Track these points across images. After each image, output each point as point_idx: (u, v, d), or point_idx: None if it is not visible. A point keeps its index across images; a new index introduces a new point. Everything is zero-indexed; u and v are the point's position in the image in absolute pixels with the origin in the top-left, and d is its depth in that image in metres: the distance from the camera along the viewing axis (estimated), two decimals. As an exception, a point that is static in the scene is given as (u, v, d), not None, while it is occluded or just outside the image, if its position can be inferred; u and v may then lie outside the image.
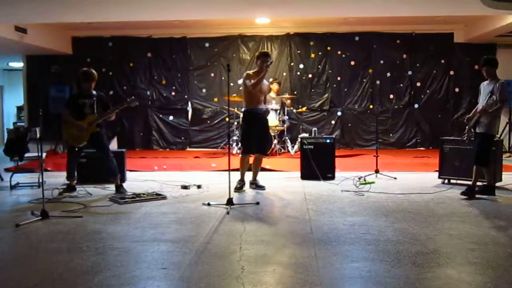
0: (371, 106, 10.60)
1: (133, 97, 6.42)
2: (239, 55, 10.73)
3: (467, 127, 6.07)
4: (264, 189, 6.42)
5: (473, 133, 5.94)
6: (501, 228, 4.52)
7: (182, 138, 10.87)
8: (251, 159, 6.56)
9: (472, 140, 6.02)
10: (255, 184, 6.53)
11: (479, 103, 5.98)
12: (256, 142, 6.40)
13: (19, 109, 13.74)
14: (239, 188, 6.32)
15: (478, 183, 6.01)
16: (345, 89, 10.68)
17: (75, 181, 6.41)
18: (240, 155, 6.59)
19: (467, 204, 5.53)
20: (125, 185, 6.51)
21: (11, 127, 12.45)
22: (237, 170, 6.44)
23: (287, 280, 3.23)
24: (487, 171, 5.95)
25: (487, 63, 5.87)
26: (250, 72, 6.46)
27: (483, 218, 4.89)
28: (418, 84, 10.59)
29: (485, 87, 5.94)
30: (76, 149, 6.30)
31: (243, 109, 6.76)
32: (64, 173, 6.40)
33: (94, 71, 6.33)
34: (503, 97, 5.69)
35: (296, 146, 9.24)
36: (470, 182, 6.03)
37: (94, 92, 6.27)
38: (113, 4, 7.81)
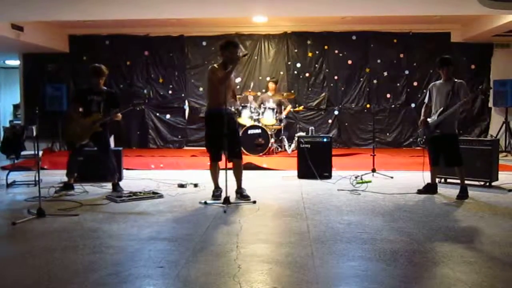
0: (368, 105, 10.62)
1: (141, 101, 6.35)
2: (236, 54, 10.73)
3: (420, 131, 6.13)
4: (249, 200, 5.58)
5: (438, 132, 5.88)
6: (497, 226, 4.53)
7: (179, 136, 10.86)
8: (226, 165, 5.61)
9: (433, 141, 5.98)
10: (239, 194, 5.75)
11: (434, 104, 5.95)
12: (228, 147, 5.47)
13: (16, 107, 13.68)
14: (218, 195, 5.68)
15: (462, 183, 5.94)
16: (342, 88, 10.69)
17: (74, 179, 6.37)
18: (209, 164, 5.77)
19: (463, 204, 5.55)
20: (121, 183, 6.50)
21: (8, 125, 12.43)
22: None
23: (283, 279, 3.23)
24: (459, 170, 5.91)
25: (451, 63, 5.82)
26: (216, 65, 5.74)
27: (479, 217, 4.90)
28: (415, 83, 10.61)
29: (440, 87, 5.90)
30: (77, 146, 6.28)
31: (205, 110, 5.92)
32: (61, 171, 6.40)
33: (104, 67, 6.20)
34: (469, 95, 5.79)
35: (293, 145, 9.24)
36: (467, 182, 6.02)
37: (104, 89, 6.24)
38: (110, 2, 7.80)
